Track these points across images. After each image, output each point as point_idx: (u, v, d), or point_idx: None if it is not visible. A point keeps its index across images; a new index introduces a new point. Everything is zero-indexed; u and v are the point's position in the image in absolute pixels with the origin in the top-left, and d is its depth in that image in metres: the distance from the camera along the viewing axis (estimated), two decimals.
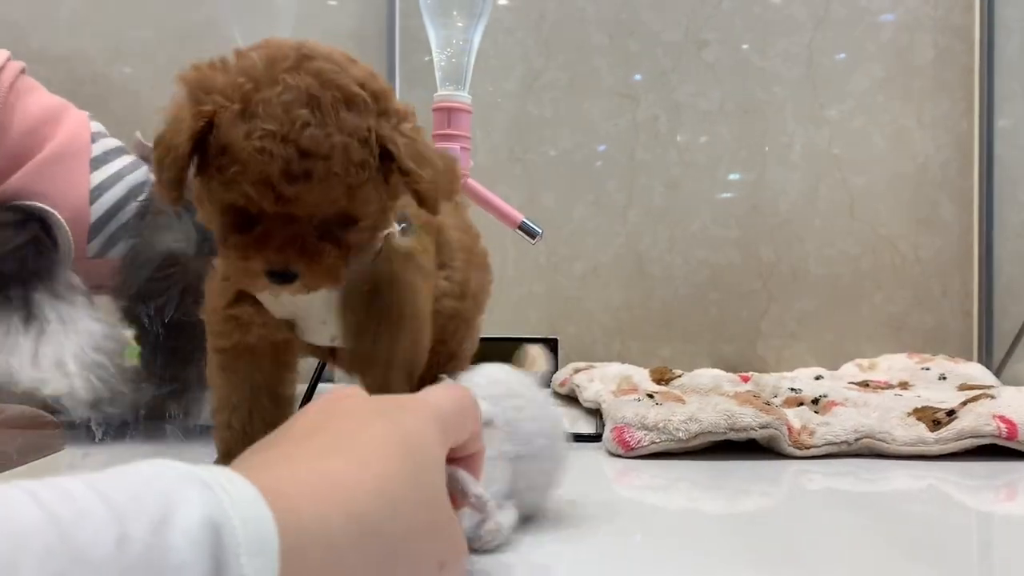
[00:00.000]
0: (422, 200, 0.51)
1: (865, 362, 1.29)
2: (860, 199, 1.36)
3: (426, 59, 1.10)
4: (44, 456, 0.60)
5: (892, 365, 1.26)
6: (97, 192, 0.85)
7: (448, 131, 1.07)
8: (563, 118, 1.38)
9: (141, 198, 0.87)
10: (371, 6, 1.36)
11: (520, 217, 1.09)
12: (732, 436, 0.76)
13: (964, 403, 0.83)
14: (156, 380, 0.84)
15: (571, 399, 1.16)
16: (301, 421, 0.38)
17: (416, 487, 0.35)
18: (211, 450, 0.60)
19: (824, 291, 1.36)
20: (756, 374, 1.05)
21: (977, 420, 0.78)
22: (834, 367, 1.29)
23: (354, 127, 0.48)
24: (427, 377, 0.61)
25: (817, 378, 1.24)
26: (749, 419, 0.76)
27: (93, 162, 0.86)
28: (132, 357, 0.96)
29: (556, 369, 1.21)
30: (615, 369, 1.13)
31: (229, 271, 0.54)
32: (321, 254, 0.50)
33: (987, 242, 1.32)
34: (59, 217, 0.83)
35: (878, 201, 1.36)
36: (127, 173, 0.88)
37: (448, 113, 1.08)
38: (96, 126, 0.90)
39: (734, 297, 1.37)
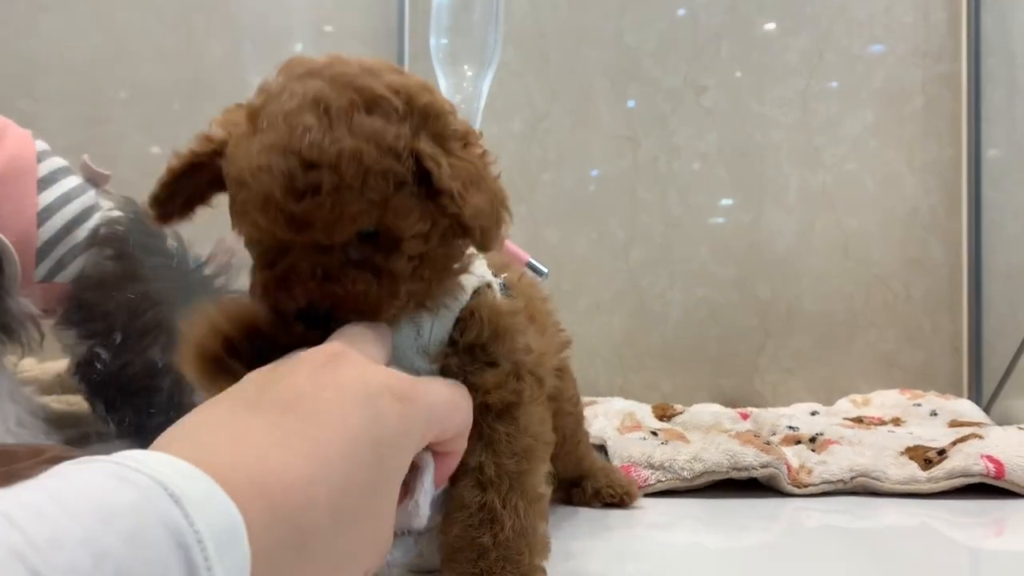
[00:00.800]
0: (466, 230, 0.43)
1: (859, 398, 1.33)
2: (853, 239, 1.41)
3: None
4: None
5: (885, 401, 1.30)
6: (45, 214, 0.81)
7: None
8: (566, 159, 1.43)
9: (93, 224, 0.83)
10: (379, 51, 1.41)
11: (527, 257, 1.13)
12: (734, 475, 0.80)
13: (954, 443, 0.87)
14: (103, 420, 0.82)
15: None
16: (288, 383, 0.36)
17: (368, 501, 0.35)
18: None
19: (819, 328, 1.41)
20: (755, 411, 1.09)
21: (967, 460, 0.82)
22: (829, 402, 1.33)
23: (373, 131, 0.41)
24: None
25: (813, 414, 1.28)
26: (751, 459, 0.80)
27: (40, 183, 0.81)
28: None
29: None
30: (619, 405, 1.17)
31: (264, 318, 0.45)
32: (355, 284, 0.42)
33: (976, 282, 1.37)
34: (4, 240, 0.78)
35: (871, 241, 1.41)
36: (76, 195, 0.83)
37: None
38: (41, 145, 0.84)
39: (732, 333, 1.41)
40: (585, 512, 0.74)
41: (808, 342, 1.41)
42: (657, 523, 0.74)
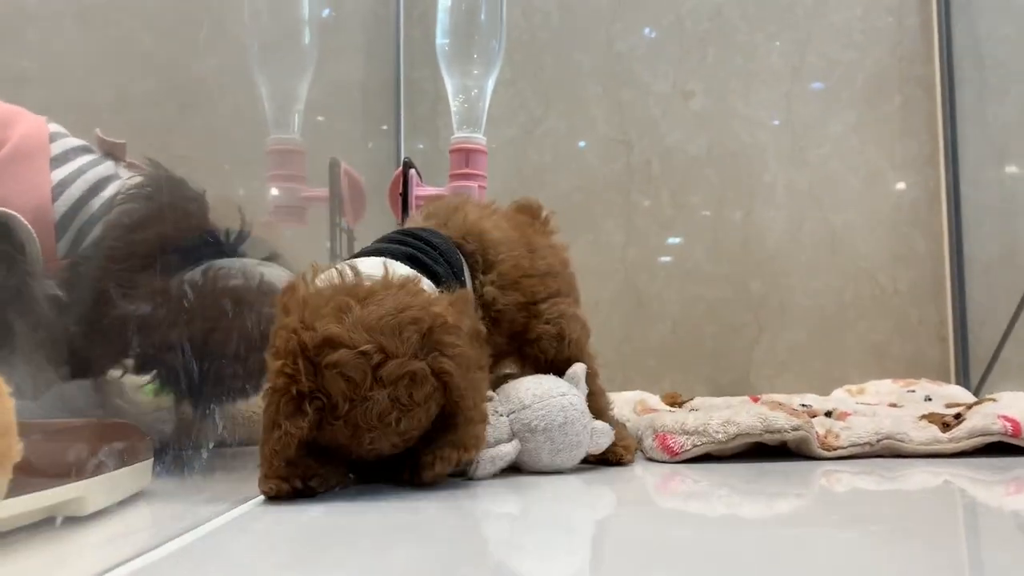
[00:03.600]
0: None
1: (854, 387, 1.36)
2: (840, 235, 1.46)
3: (431, 108, 1.15)
4: (133, 464, 0.63)
5: (880, 390, 1.34)
6: (59, 188, 0.80)
7: (467, 170, 1.14)
8: (562, 162, 1.46)
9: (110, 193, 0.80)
10: (377, 60, 1.43)
11: None
12: (767, 439, 0.81)
13: (969, 406, 0.90)
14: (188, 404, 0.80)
15: None
16: None
17: None
18: None
19: (811, 322, 1.45)
20: (766, 395, 1.11)
21: (985, 420, 0.85)
22: (824, 393, 1.36)
23: None
24: None
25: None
26: (783, 422, 0.82)
27: (53, 161, 0.81)
28: (148, 394, 0.96)
29: None
30: (628, 395, 1.18)
31: None
32: None
33: (959, 274, 1.42)
34: (21, 219, 0.76)
35: (857, 237, 1.46)
36: (90, 168, 0.82)
37: (466, 154, 1.14)
38: (55, 127, 0.84)
39: (728, 329, 1.44)
40: (622, 477, 0.75)
41: (801, 335, 1.44)
42: (694, 492, 0.75)
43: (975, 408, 0.88)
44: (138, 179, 0.83)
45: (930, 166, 1.46)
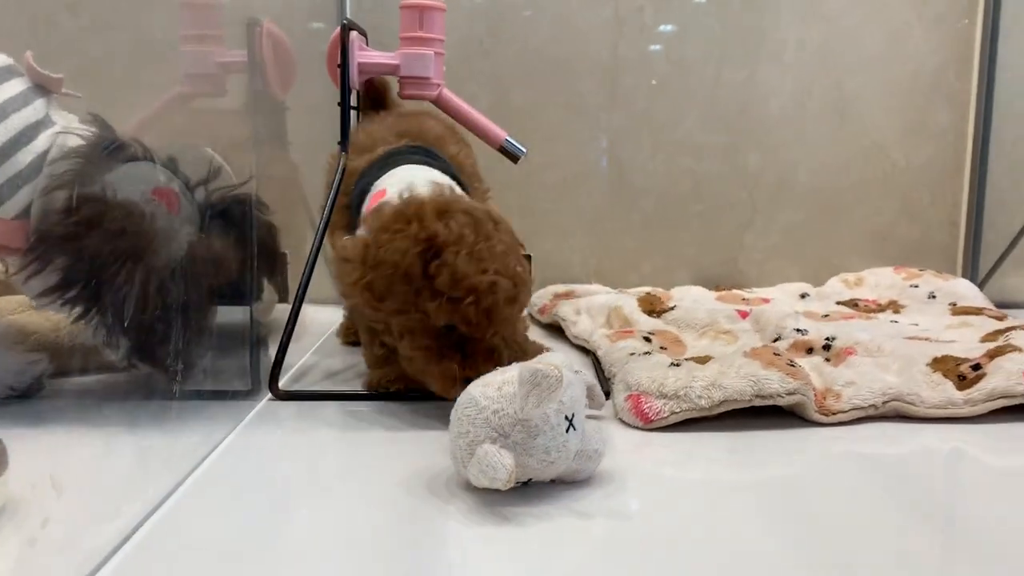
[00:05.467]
0: None
1: (851, 277, 1.24)
2: (853, 103, 1.27)
3: None
4: None
5: (879, 282, 1.21)
6: None
7: (420, 33, 0.94)
8: (538, 5, 1.23)
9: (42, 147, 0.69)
10: None
11: (503, 135, 0.97)
12: (757, 403, 0.70)
13: (990, 355, 0.78)
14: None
15: (553, 328, 1.08)
16: None
17: None
18: None
19: (810, 202, 1.30)
20: (755, 309, 0.98)
21: (1008, 379, 0.73)
22: (818, 282, 1.24)
23: None
24: None
25: (803, 296, 1.20)
26: (776, 385, 0.70)
27: None
28: None
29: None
30: (602, 300, 1.05)
31: None
32: None
33: (982, 151, 1.26)
34: None
35: (871, 105, 1.28)
36: (15, 108, 0.69)
37: (420, 12, 0.94)
38: None
39: (717, 208, 1.29)
40: None
41: (798, 216, 1.30)
42: (667, 460, 0.64)
43: (997, 360, 0.76)
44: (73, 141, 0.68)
45: (965, 23, 1.25)
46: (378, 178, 0.82)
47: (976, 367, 0.76)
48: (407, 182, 0.75)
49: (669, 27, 1.25)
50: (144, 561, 0.47)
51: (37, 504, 0.50)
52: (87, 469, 0.60)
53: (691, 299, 1.10)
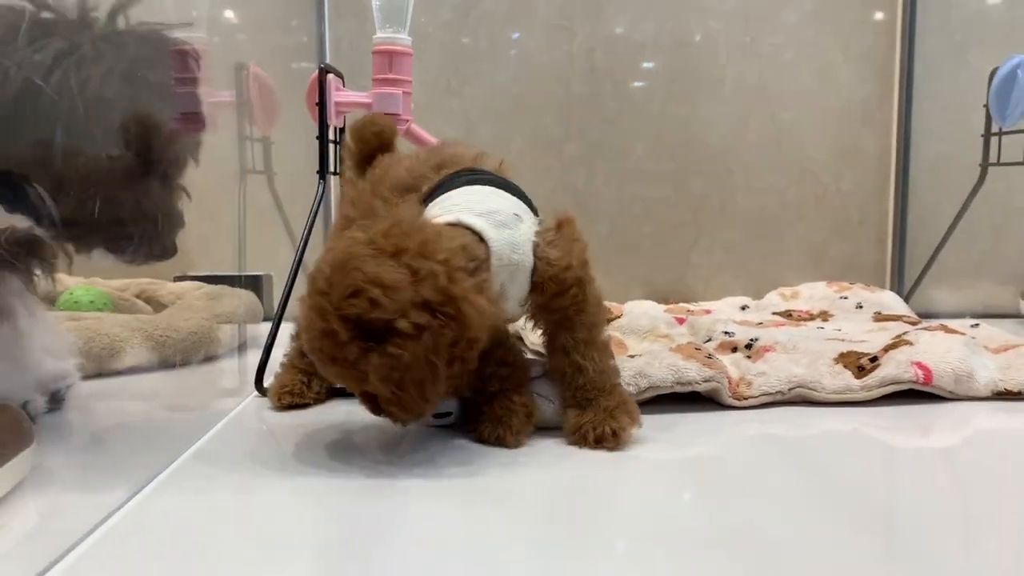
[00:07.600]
0: None
1: (788, 291, 1.36)
2: (787, 132, 1.40)
3: None
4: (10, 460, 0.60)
5: (813, 294, 1.33)
6: None
7: (390, 75, 1.06)
8: (498, 50, 1.36)
9: None
10: None
11: None
12: (678, 389, 0.81)
13: (886, 349, 0.89)
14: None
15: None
16: None
17: None
18: None
19: (750, 223, 1.42)
20: (692, 317, 1.10)
21: (898, 368, 0.84)
22: (758, 296, 1.36)
23: None
24: None
25: (743, 308, 1.31)
26: (694, 373, 0.81)
27: None
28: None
29: None
30: None
31: None
32: None
33: (904, 172, 1.39)
34: None
35: (804, 134, 1.41)
36: None
37: (389, 57, 1.05)
38: None
39: (666, 229, 1.41)
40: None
41: (740, 236, 1.42)
42: None
43: (891, 352, 0.88)
44: None
45: (886, 58, 1.39)
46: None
47: (873, 359, 0.88)
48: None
49: (618, 66, 1.38)
50: (148, 519, 0.57)
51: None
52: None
53: (641, 311, 1.22)
